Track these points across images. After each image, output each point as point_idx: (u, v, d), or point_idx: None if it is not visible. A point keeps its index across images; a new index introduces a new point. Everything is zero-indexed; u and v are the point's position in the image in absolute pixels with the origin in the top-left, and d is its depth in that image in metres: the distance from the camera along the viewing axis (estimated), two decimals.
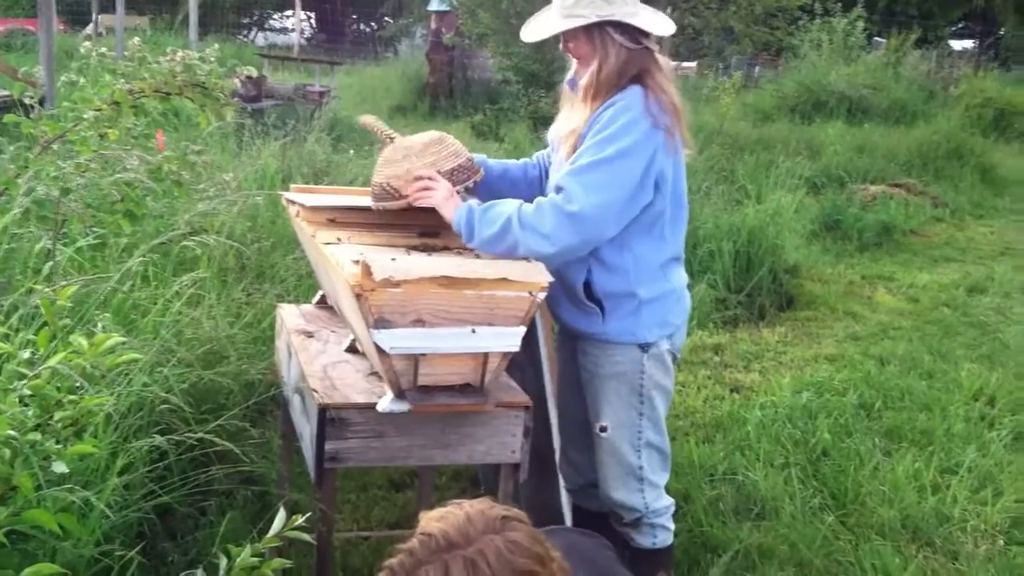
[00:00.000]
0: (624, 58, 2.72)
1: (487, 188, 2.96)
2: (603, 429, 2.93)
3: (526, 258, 2.61)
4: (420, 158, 2.75)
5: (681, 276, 2.98)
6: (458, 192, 2.73)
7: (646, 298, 2.83)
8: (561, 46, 2.85)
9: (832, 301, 7.11)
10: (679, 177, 2.85)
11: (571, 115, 2.84)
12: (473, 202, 2.71)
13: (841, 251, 8.73)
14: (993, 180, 12.46)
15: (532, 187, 3.07)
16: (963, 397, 5.15)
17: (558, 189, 2.65)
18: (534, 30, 2.87)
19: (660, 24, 2.79)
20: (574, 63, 2.86)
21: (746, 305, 6.69)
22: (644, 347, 2.86)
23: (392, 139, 2.88)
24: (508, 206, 2.63)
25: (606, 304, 2.83)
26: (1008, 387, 5.32)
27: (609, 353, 2.88)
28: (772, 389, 5.21)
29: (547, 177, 3.09)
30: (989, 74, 18.25)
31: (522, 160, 3.20)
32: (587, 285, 2.82)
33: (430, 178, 2.70)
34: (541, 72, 14.44)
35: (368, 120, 3.03)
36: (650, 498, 2.97)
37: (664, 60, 2.83)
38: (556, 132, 2.95)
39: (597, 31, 2.73)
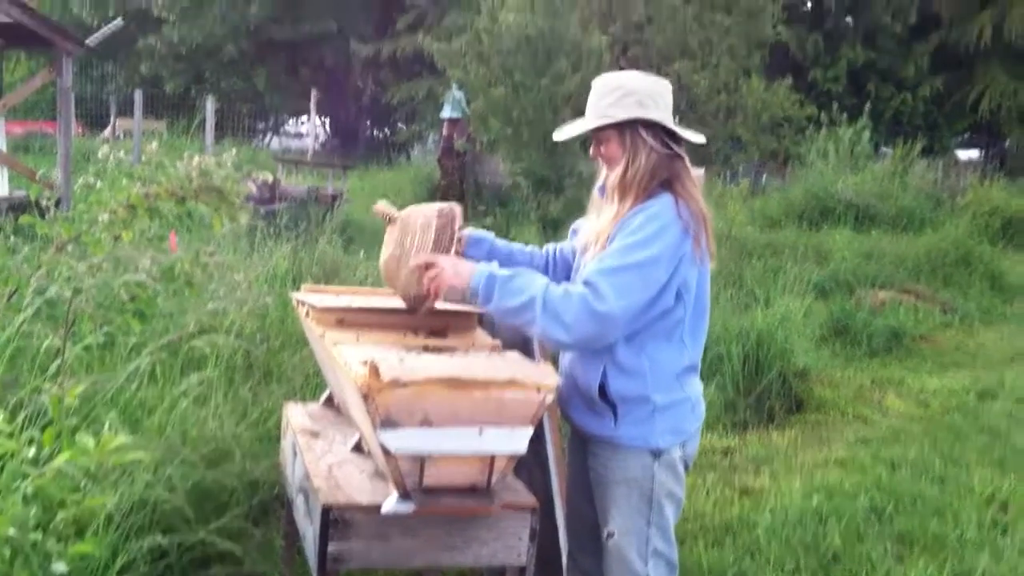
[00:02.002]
0: (654, 162, 2.76)
1: None
2: (610, 535, 2.87)
3: (537, 338, 2.63)
4: (412, 256, 2.78)
5: (696, 385, 2.94)
6: (456, 252, 2.77)
7: (661, 404, 2.79)
8: (592, 151, 2.89)
9: (842, 405, 7.07)
10: (703, 286, 2.85)
11: (600, 218, 2.86)
12: (493, 266, 2.71)
13: (850, 356, 8.71)
14: (1002, 287, 12.48)
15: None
16: (975, 502, 5.09)
17: (586, 283, 2.64)
18: (567, 131, 2.92)
19: (690, 134, 2.85)
20: (603, 171, 2.90)
21: (755, 408, 6.66)
22: (656, 453, 2.81)
23: (394, 219, 2.92)
24: (535, 285, 2.63)
25: (620, 408, 2.79)
26: (1021, 492, 5.25)
27: (620, 457, 2.83)
28: (782, 493, 5.15)
29: (557, 265, 3.11)
30: (995, 184, 18.41)
31: (529, 247, 3.20)
32: (602, 387, 2.79)
33: (429, 265, 2.72)
34: (551, 176, 14.65)
35: (379, 208, 3.05)
36: None
37: (693, 169, 2.85)
38: (584, 235, 2.94)
39: (629, 131, 2.77)
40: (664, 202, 2.73)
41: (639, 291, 2.64)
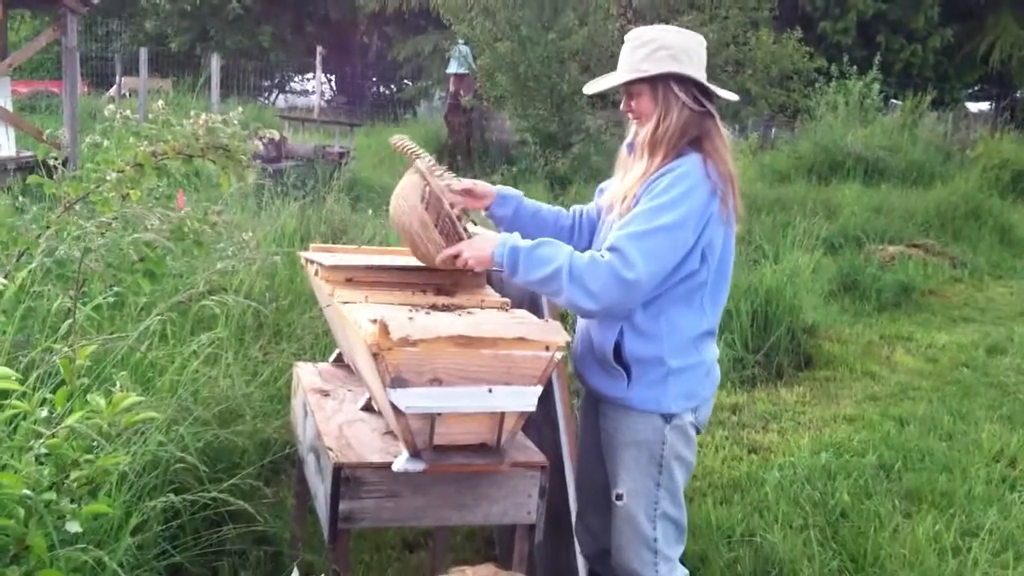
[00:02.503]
0: (686, 118, 2.72)
1: (516, 226, 2.95)
2: (619, 497, 2.86)
3: (562, 306, 2.63)
4: (434, 257, 2.75)
5: (713, 350, 2.91)
6: (464, 229, 2.74)
7: (675, 368, 2.77)
8: (623, 105, 2.85)
9: (851, 361, 7.07)
10: (727, 250, 2.81)
11: (627, 175, 2.82)
12: (515, 236, 2.68)
13: (859, 311, 8.70)
14: (1011, 241, 12.43)
15: (560, 235, 3.02)
16: (983, 458, 5.10)
17: (612, 249, 2.61)
18: (598, 84, 2.89)
19: (724, 91, 2.82)
20: (632, 127, 2.87)
21: (764, 365, 6.66)
22: (667, 417, 2.79)
23: (419, 155, 2.85)
24: (560, 254, 2.61)
25: (633, 369, 2.77)
26: None
27: (631, 419, 2.82)
28: (790, 449, 5.17)
29: (583, 227, 3.09)
30: (1005, 136, 18.25)
31: (557, 207, 3.17)
32: (617, 347, 2.77)
33: (455, 255, 2.70)
34: (558, 133, 14.57)
35: (399, 143, 2.96)
36: (663, 571, 2.88)
37: (724, 129, 2.81)
38: (611, 194, 2.91)
39: (661, 86, 2.73)
40: (692, 161, 2.69)
41: (667, 255, 2.62)
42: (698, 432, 2.93)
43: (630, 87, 2.79)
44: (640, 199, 2.68)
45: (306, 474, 2.97)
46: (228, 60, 24.94)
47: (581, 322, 2.96)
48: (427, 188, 2.74)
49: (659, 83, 2.73)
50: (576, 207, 3.17)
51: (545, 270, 2.60)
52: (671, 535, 2.90)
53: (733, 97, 2.87)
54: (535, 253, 2.63)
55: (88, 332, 3.45)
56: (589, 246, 2.99)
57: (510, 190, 3.08)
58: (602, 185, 3.10)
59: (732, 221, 2.78)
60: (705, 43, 2.83)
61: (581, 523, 3.16)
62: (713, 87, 2.77)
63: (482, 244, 2.69)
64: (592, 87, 2.91)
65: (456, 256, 2.70)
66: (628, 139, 2.91)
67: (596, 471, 3.02)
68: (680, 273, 2.70)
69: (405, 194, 2.80)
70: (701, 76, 2.74)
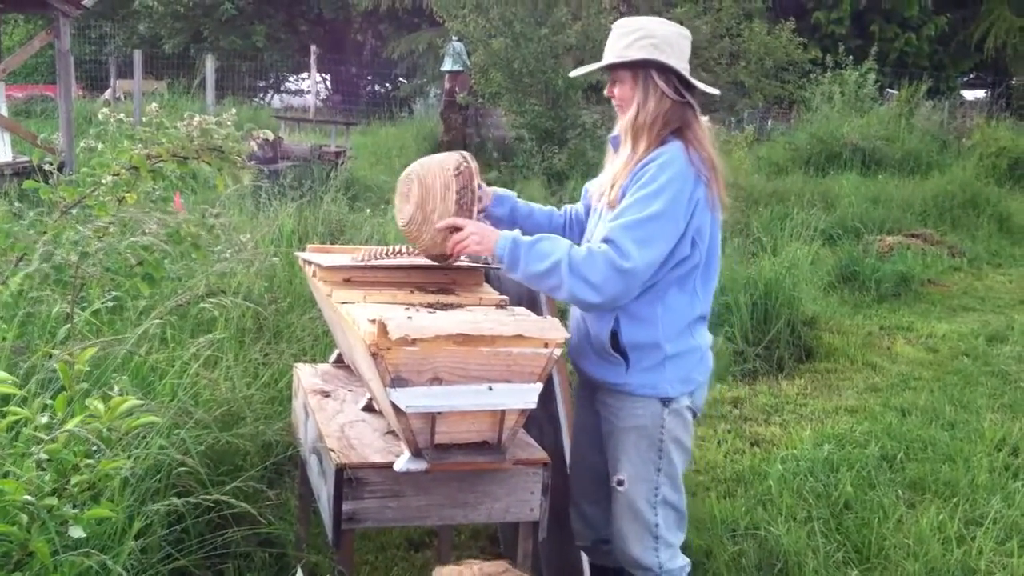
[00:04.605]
0: (666, 108, 2.79)
1: (513, 226, 3.00)
2: (620, 483, 2.90)
3: (565, 300, 2.69)
4: (435, 219, 2.76)
5: (706, 336, 2.97)
6: (480, 214, 2.79)
7: (671, 353, 2.82)
8: (607, 89, 2.91)
9: (851, 352, 7.06)
10: (715, 235, 2.87)
11: (614, 163, 2.89)
12: (516, 232, 2.73)
13: (859, 302, 8.70)
14: (1010, 229, 12.42)
15: (555, 233, 3.07)
16: (986, 447, 5.09)
17: (606, 241, 2.66)
18: (582, 69, 3.00)
19: (704, 86, 2.88)
20: (619, 123, 2.90)
21: (764, 358, 6.65)
22: (665, 401, 2.85)
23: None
24: (558, 248, 2.66)
25: (631, 355, 2.82)
26: None
27: (630, 405, 2.86)
28: (793, 442, 5.17)
29: (572, 226, 3.16)
30: (1002, 123, 18.24)
31: (548, 207, 3.23)
32: (614, 335, 2.82)
33: (454, 228, 2.73)
34: (554, 129, 14.55)
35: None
36: (664, 557, 2.91)
37: (704, 120, 2.88)
38: (597, 183, 2.99)
39: (642, 73, 2.79)
40: (674, 149, 2.75)
41: (660, 242, 2.68)
42: (695, 416, 2.98)
43: (614, 73, 2.86)
44: (627, 189, 2.74)
45: (308, 475, 2.96)
46: (222, 61, 24.92)
47: (575, 313, 3.00)
48: (465, 164, 2.80)
49: (640, 71, 2.80)
50: (567, 206, 3.24)
51: (545, 263, 2.65)
52: (672, 521, 2.94)
53: (714, 92, 2.95)
54: (535, 247, 2.68)
55: (87, 337, 3.45)
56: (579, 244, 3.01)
57: (505, 191, 3.14)
58: (586, 186, 3.16)
59: (718, 207, 2.83)
60: (690, 36, 2.89)
61: (576, 512, 3.18)
62: (694, 80, 2.83)
63: (487, 235, 2.74)
64: (577, 71, 3.03)
65: (457, 229, 2.73)
66: (613, 132, 2.96)
67: (591, 459, 3.07)
68: (673, 259, 2.76)
69: (440, 158, 2.85)
70: (682, 67, 2.80)
